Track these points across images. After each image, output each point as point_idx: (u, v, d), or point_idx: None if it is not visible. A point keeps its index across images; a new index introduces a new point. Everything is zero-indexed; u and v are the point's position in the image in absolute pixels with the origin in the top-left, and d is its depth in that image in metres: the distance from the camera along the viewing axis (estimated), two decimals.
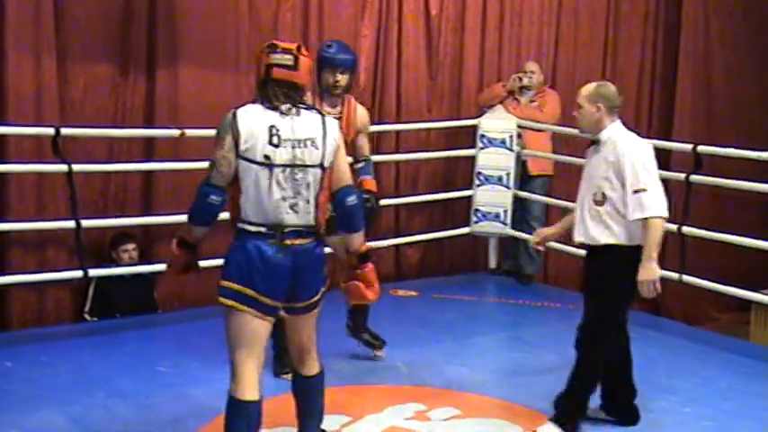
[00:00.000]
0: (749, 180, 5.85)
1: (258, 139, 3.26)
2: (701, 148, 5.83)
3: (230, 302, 3.36)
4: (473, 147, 6.87)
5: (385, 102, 6.82)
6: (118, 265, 5.70)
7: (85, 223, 5.33)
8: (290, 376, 3.86)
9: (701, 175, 5.86)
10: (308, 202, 3.34)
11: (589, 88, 4.12)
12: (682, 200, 5.88)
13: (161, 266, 5.77)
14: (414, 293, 6.51)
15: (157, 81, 5.86)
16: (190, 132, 5.60)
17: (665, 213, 3.93)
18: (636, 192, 3.90)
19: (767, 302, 5.88)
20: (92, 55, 5.68)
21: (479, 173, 6.97)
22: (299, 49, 3.40)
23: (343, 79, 4.62)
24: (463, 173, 7.08)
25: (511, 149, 6.92)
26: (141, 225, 5.88)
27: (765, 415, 4.53)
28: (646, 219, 3.89)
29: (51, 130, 5.14)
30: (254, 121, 3.29)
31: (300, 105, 3.36)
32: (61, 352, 5.04)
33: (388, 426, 4.16)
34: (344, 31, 6.58)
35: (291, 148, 3.29)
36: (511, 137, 6.87)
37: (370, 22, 6.72)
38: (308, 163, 3.32)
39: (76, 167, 5.24)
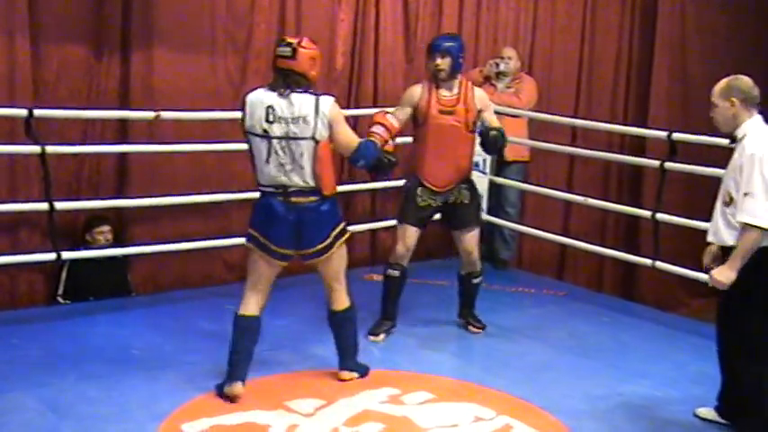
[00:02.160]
0: (723, 168, 5.89)
1: (256, 116, 4.08)
2: (675, 135, 5.85)
3: (247, 244, 4.28)
4: None
5: (362, 86, 6.80)
6: (92, 248, 5.66)
7: (59, 205, 5.28)
8: (380, 338, 5.16)
9: (676, 162, 5.89)
10: (302, 168, 4.08)
11: (721, 84, 3.94)
12: (656, 187, 5.90)
13: (135, 249, 5.77)
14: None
15: (132, 62, 5.81)
16: (165, 114, 5.56)
17: (767, 225, 3.72)
18: (745, 194, 3.76)
19: None
20: (66, 36, 5.61)
21: None
22: (300, 42, 4.10)
23: (443, 63, 5.08)
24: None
25: None
26: (116, 208, 5.83)
27: None
28: (744, 224, 3.75)
29: (24, 112, 5.07)
30: (255, 102, 4.11)
31: (297, 89, 4.06)
32: (33, 334, 5.00)
33: (361, 409, 4.17)
34: (322, 14, 6.55)
35: (285, 124, 4.04)
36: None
37: (347, 6, 6.68)
38: (300, 136, 4.05)
39: (50, 149, 5.18)
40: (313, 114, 4.05)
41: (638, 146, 7.77)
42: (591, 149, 7.10)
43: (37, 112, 5.13)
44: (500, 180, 6.98)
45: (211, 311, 5.55)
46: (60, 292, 5.66)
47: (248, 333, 4.25)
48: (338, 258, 4.33)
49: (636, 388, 4.65)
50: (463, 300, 5.48)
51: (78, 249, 5.62)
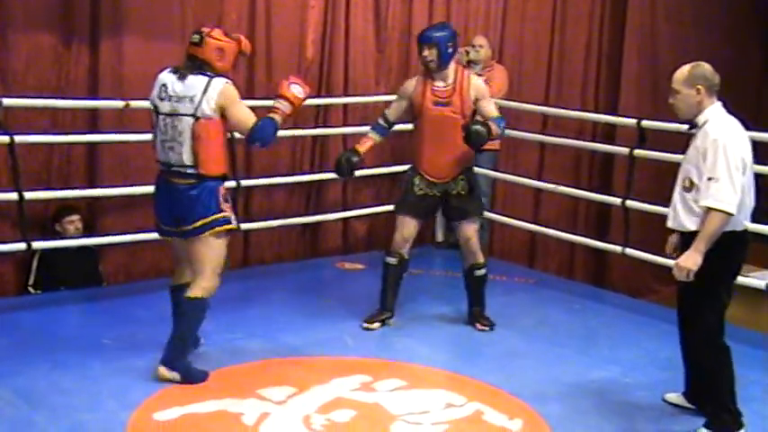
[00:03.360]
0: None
1: (154, 93, 4.26)
2: (645, 122, 5.91)
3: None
4: None
5: (332, 75, 6.79)
6: (62, 238, 5.63)
7: (28, 195, 5.25)
8: (374, 326, 5.17)
9: (645, 149, 5.94)
10: (181, 145, 4.17)
11: (684, 71, 3.92)
12: (625, 174, 5.95)
13: (106, 239, 5.74)
14: (360, 266, 6.54)
15: (101, 51, 5.76)
16: (134, 104, 5.53)
17: (731, 210, 3.74)
18: (709, 179, 3.77)
19: None
20: (34, 24, 5.55)
21: None
22: (210, 32, 4.24)
23: (430, 54, 5.04)
24: (411, 146, 7.07)
25: None
26: (86, 197, 5.80)
27: None
28: (709, 208, 3.76)
29: None
30: (158, 80, 4.29)
31: (196, 71, 4.18)
32: (4, 325, 4.97)
33: (333, 397, 4.19)
34: (292, 2, 6.54)
35: (172, 102, 4.19)
36: None
37: None
38: (182, 113, 4.16)
39: (19, 138, 5.15)
40: (200, 94, 4.14)
41: (609, 133, 7.83)
42: (561, 137, 7.15)
43: (5, 102, 5.09)
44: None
45: None
46: (31, 282, 5.63)
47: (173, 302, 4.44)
48: (205, 247, 4.22)
49: (605, 374, 4.71)
50: (470, 296, 5.39)
51: (49, 239, 5.58)
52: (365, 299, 5.47)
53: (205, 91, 4.14)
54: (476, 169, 6.93)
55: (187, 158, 4.17)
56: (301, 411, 4.01)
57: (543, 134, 7.46)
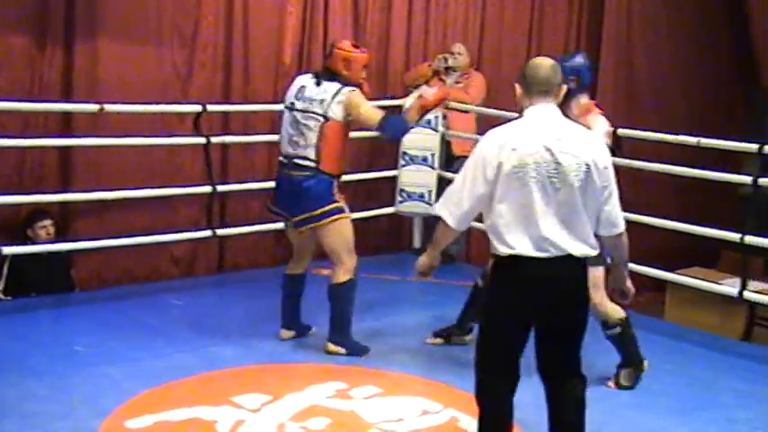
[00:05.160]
0: (667, 163, 5.99)
1: (292, 92, 4.80)
2: (620, 131, 5.92)
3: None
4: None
5: None
6: (34, 243, 5.56)
7: (0, 199, 5.18)
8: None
9: (620, 157, 5.95)
10: (307, 140, 4.66)
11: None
12: None
13: (79, 244, 5.67)
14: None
15: (76, 54, 5.70)
16: (109, 107, 5.48)
17: (449, 221, 3.39)
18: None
19: (681, 282, 6.03)
20: (7, 25, 5.49)
21: (405, 153, 7.01)
22: (337, 44, 4.85)
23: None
24: (388, 153, 7.08)
25: (436, 130, 6.97)
26: (58, 202, 5.73)
27: (676, 389, 4.69)
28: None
29: None
30: (296, 81, 4.87)
31: (329, 79, 4.70)
32: None
33: (309, 404, 4.15)
34: (269, 6, 6.50)
35: (306, 103, 4.69)
36: (436, 117, 6.89)
37: None
38: (314, 111, 4.65)
39: None
40: (330, 98, 4.66)
41: None
42: None
43: None
44: (449, 175, 6.99)
45: (157, 307, 5.51)
46: (1, 288, 5.55)
47: (286, 287, 5.01)
48: (328, 236, 4.73)
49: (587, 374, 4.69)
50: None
51: (20, 244, 5.50)
52: None
53: (334, 96, 4.65)
54: (452, 176, 6.98)
55: (310, 152, 4.67)
56: (276, 419, 3.97)
57: None
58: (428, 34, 7.38)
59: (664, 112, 7.98)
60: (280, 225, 6.56)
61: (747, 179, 5.59)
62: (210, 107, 6.01)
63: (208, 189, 6.01)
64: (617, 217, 3.44)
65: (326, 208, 4.69)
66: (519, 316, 3.34)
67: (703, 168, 5.88)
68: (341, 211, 4.73)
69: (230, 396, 4.16)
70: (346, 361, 4.78)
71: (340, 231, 4.74)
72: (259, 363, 4.67)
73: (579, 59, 4.65)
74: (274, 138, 6.47)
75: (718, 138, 5.79)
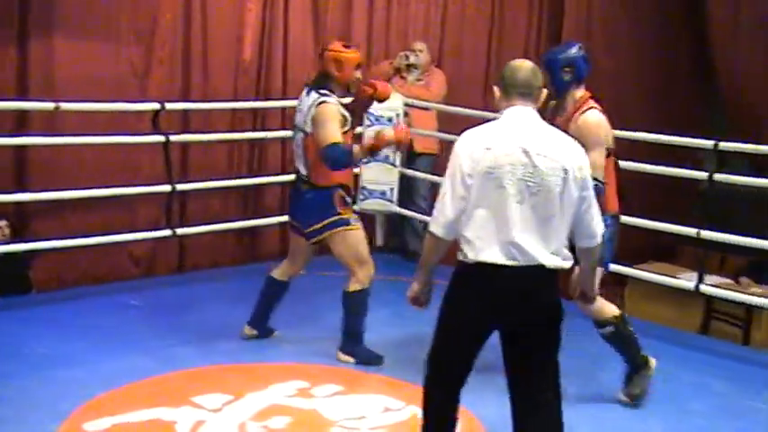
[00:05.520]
0: (627, 159, 6.03)
1: (298, 103, 4.69)
2: None
3: None
4: (360, 124, 6.86)
5: (270, 77, 6.71)
6: None
7: None
8: None
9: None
10: (299, 155, 4.62)
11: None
12: None
13: (35, 245, 5.58)
14: (301, 272, 6.45)
15: (31, 50, 5.61)
16: (65, 106, 5.40)
17: (435, 230, 3.20)
18: None
19: (641, 277, 6.09)
20: None
21: None
22: (328, 45, 4.73)
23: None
24: None
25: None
26: (14, 202, 5.64)
27: None
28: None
29: None
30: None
31: (315, 86, 4.57)
32: None
33: (270, 403, 4.14)
34: (229, 3, 6.46)
35: (297, 115, 4.63)
36: (398, 115, 6.88)
37: None
38: (298, 126, 4.59)
39: None
40: (307, 110, 4.53)
41: None
42: None
43: None
44: (410, 172, 7.00)
45: (115, 308, 5.46)
46: None
47: (265, 289, 4.94)
48: (336, 248, 4.70)
49: None
50: None
51: None
52: (304, 303, 5.43)
53: (310, 108, 4.51)
54: (413, 173, 6.99)
55: (303, 167, 4.63)
56: (237, 419, 3.95)
57: None
58: (389, 32, 7.38)
59: (623, 109, 8.04)
60: (240, 224, 6.59)
61: (704, 175, 5.67)
62: (169, 105, 5.95)
63: (167, 188, 5.95)
64: (596, 227, 3.27)
65: (328, 221, 4.63)
66: (477, 331, 3.25)
67: (663, 164, 5.94)
68: (345, 222, 4.66)
69: (190, 396, 4.13)
70: (307, 360, 4.76)
71: (346, 243, 4.67)
72: (219, 363, 4.63)
73: (573, 50, 4.46)
74: (234, 136, 6.48)
75: (675, 134, 5.86)
